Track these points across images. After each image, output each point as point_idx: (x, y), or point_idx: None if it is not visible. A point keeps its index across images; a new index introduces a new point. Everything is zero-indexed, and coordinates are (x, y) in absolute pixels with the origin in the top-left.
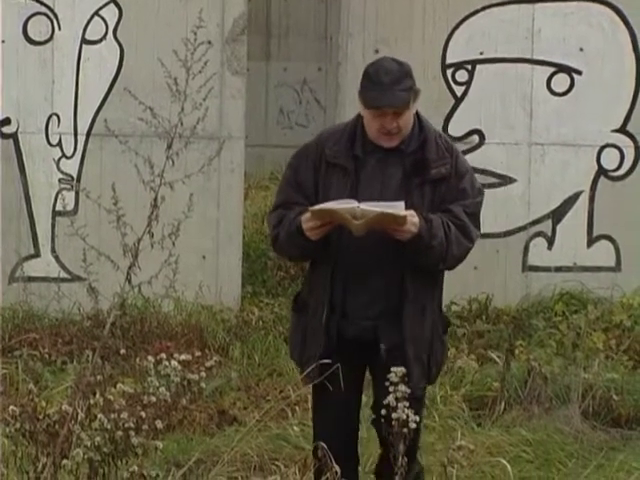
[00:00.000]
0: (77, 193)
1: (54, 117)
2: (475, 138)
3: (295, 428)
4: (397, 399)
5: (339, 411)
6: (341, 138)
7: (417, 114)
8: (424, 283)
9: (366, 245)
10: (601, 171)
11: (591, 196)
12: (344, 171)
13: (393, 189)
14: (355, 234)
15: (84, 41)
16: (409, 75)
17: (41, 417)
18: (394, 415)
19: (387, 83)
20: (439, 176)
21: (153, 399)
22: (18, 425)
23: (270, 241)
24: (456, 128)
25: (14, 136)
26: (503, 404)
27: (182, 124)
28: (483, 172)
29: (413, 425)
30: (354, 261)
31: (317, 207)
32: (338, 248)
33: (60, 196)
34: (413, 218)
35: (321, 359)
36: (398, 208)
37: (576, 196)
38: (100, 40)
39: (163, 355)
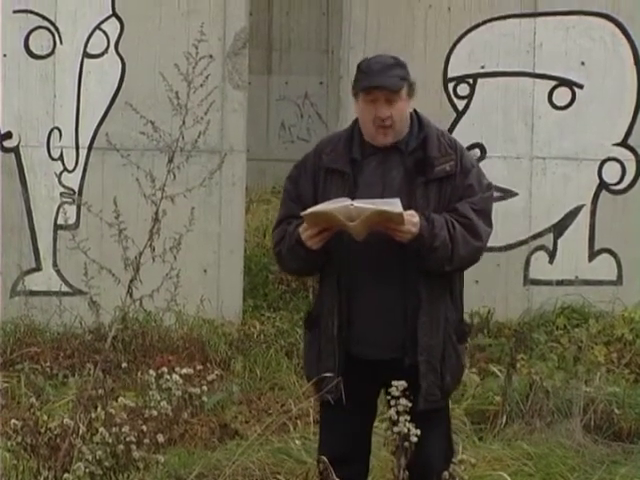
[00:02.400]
0: (78, 207)
1: (55, 131)
2: (476, 152)
3: (297, 442)
4: (398, 413)
5: (351, 429)
6: (338, 143)
7: (417, 113)
8: (438, 288)
9: (370, 249)
10: (602, 185)
11: (592, 210)
12: (342, 176)
13: (395, 190)
14: (355, 237)
15: (85, 55)
16: (402, 66)
17: (42, 431)
18: (395, 429)
19: (378, 69)
20: (443, 174)
21: (154, 413)
22: (19, 439)
23: (275, 259)
24: None
25: (16, 150)
26: (505, 418)
27: (183, 138)
28: None
29: (414, 439)
30: (359, 268)
31: (309, 210)
32: (341, 256)
33: (61, 210)
34: (413, 218)
35: (338, 373)
36: (394, 205)
37: (577, 210)
38: (102, 54)
39: (164, 369)
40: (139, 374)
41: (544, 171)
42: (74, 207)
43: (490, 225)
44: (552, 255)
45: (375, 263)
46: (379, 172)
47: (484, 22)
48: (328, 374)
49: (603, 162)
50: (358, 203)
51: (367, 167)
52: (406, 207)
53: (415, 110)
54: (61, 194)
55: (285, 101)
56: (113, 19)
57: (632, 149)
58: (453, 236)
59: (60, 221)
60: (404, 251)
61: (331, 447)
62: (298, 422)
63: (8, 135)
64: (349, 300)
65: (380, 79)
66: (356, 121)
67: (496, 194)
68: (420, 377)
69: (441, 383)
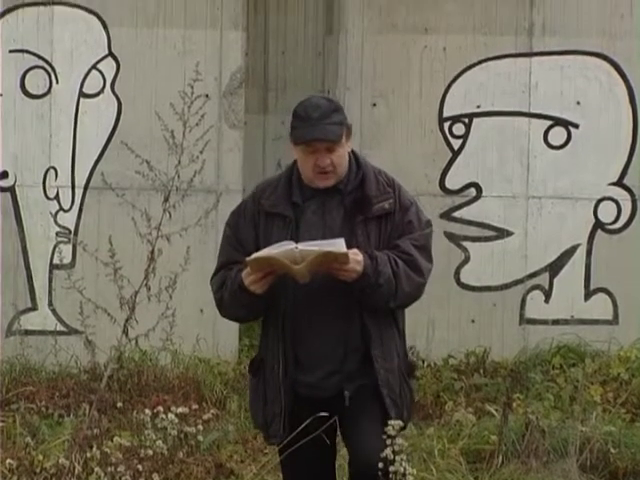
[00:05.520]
0: (74, 246)
1: (51, 170)
2: (472, 191)
3: None
4: (395, 452)
5: (312, 470)
6: (277, 187)
7: (353, 152)
8: (385, 324)
9: (314, 290)
10: (598, 224)
11: (588, 249)
12: (284, 220)
13: (337, 231)
14: (299, 280)
15: (82, 95)
16: (339, 110)
17: (38, 471)
18: (392, 468)
19: (316, 118)
20: (382, 212)
21: (150, 452)
22: (15, 479)
23: (216, 306)
24: (453, 181)
25: (12, 189)
26: (501, 457)
27: (179, 177)
28: (480, 225)
29: (410, 479)
30: (304, 309)
31: (253, 256)
32: (285, 297)
33: (57, 249)
34: (357, 256)
35: (284, 418)
36: (338, 245)
37: (573, 249)
38: (98, 94)
39: (160, 408)
40: (135, 413)
41: (540, 210)
42: (70, 246)
43: (430, 261)
44: (548, 294)
45: (319, 303)
46: (320, 214)
47: (479, 62)
48: (275, 419)
49: (599, 201)
50: (302, 246)
51: (308, 210)
52: (348, 245)
53: (352, 150)
54: (57, 234)
55: (281, 140)
56: (109, 59)
57: (628, 189)
58: (396, 273)
59: (56, 260)
60: (348, 290)
61: None
62: None
63: (4, 175)
64: (294, 342)
65: (320, 130)
66: (294, 163)
67: (492, 234)
68: (385, 409)
69: (401, 419)
